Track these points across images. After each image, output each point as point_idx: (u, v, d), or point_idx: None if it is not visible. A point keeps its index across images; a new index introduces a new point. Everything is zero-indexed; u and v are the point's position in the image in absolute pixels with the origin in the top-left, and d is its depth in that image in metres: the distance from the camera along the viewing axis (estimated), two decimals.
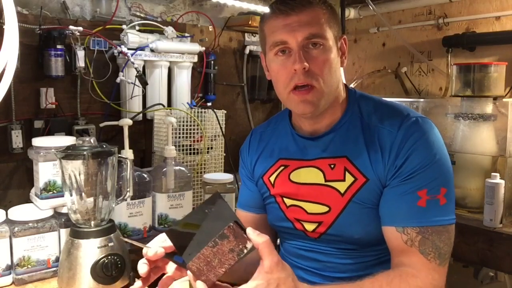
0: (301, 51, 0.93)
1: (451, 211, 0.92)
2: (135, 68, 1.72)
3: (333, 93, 0.99)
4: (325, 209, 1.01)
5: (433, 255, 0.89)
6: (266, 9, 2.19)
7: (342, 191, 0.98)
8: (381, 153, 0.95)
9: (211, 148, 1.82)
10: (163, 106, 1.83)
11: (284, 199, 1.08)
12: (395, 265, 0.94)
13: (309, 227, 1.04)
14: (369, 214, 0.97)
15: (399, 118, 0.96)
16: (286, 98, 0.99)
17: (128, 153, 1.38)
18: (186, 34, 1.94)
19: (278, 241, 1.21)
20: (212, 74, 2.09)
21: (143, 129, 1.90)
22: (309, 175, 1.03)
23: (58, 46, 1.57)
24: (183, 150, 1.73)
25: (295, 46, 0.94)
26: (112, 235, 1.15)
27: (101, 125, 1.64)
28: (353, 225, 0.98)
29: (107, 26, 1.73)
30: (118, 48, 1.72)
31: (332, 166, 1.00)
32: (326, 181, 1.01)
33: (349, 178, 0.98)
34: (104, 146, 1.17)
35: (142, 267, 0.85)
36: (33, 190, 1.30)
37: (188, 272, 0.76)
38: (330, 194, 1.00)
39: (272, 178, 1.11)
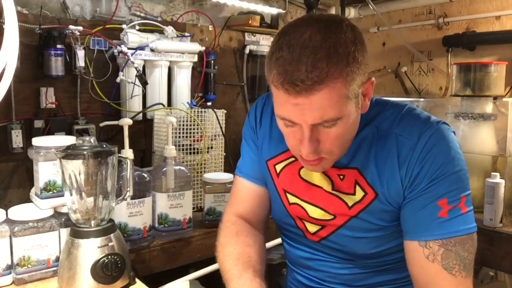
0: (311, 132, 0.82)
1: (472, 218, 0.87)
2: (135, 68, 1.72)
3: (348, 147, 0.92)
4: (330, 217, 0.97)
5: (457, 268, 0.84)
6: (266, 9, 2.21)
7: (350, 204, 0.94)
8: (398, 163, 0.88)
9: (211, 147, 1.82)
10: (163, 105, 1.83)
11: (288, 195, 1.02)
12: (416, 284, 0.88)
13: (311, 228, 1.00)
14: (375, 233, 0.94)
15: (420, 125, 0.89)
16: (294, 154, 0.92)
17: (128, 153, 1.38)
18: (186, 34, 1.94)
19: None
20: (212, 74, 2.08)
21: (143, 129, 1.90)
22: (318, 177, 0.97)
23: (58, 46, 1.57)
24: (183, 149, 1.73)
25: (304, 126, 0.82)
26: (112, 234, 1.15)
27: (101, 124, 1.64)
28: (357, 241, 0.95)
29: (107, 26, 1.73)
30: (118, 47, 1.72)
31: (342, 177, 0.94)
32: (333, 189, 0.95)
33: (359, 192, 0.92)
34: (104, 146, 1.16)
35: None
36: (33, 190, 1.29)
37: None
38: (337, 204, 0.95)
39: (278, 167, 1.03)
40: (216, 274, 1.08)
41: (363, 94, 0.85)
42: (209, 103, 2.02)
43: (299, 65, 0.75)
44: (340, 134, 0.83)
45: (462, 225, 0.85)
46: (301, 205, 1.00)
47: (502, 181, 1.53)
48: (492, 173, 1.55)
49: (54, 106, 1.64)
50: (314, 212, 0.98)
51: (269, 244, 1.40)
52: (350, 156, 0.93)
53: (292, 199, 1.02)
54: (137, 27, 1.81)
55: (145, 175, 1.43)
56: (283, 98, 0.80)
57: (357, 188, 0.92)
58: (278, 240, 1.36)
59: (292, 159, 1.01)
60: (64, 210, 1.23)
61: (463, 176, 0.87)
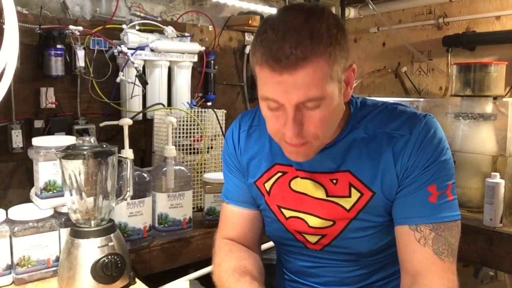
0: (295, 113, 0.81)
1: (457, 206, 0.91)
2: (135, 68, 1.72)
3: (330, 137, 0.92)
4: (329, 223, 0.96)
5: (446, 253, 0.87)
6: (266, 9, 2.22)
7: (348, 208, 0.94)
8: (393, 159, 0.90)
9: (211, 147, 1.82)
10: (163, 105, 1.83)
11: (282, 210, 1.01)
12: (406, 270, 0.90)
13: (312, 239, 0.99)
14: (376, 229, 0.95)
15: (409, 121, 0.91)
16: (277, 141, 0.90)
17: (128, 153, 1.39)
18: (186, 34, 1.94)
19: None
20: (212, 74, 2.09)
21: (143, 129, 1.90)
22: (308, 186, 0.97)
23: (58, 46, 1.57)
24: (183, 149, 1.73)
25: (288, 106, 0.81)
26: (112, 234, 1.15)
27: (101, 124, 1.64)
28: (361, 240, 0.95)
29: (107, 26, 1.73)
30: (118, 47, 1.72)
31: (335, 181, 0.94)
32: (328, 196, 0.95)
33: (355, 194, 0.93)
34: (104, 146, 1.17)
35: None
36: (33, 190, 1.30)
37: None
38: (334, 209, 0.95)
39: (267, 185, 1.02)
40: None
41: (345, 82, 0.86)
42: (209, 103, 2.02)
43: (284, 43, 0.77)
44: (324, 117, 0.83)
45: (449, 212, 0.89)
46: (299, 216, 0.99)
47: (502, 181, 1.53)
48: (492, 173, 1.55)
49: (54, 106, 1.64)
50: (314, 221, 0.98)
51: (268, 244, 1.39)
52: (340, 159, 0.94)
53: (288, 213, 1.01)
54: (137, 27, 1.81)
55: (145, 175, 1.43)
56: (267, 77, 0.80)
57: (352, 190, 0.93)
58: None
59: (280, 174, 1.01)
60: (64, 210, 1.23)
61: (450, 164, 0.91)
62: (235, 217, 1.09)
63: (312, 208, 0.97)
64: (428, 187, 0.89)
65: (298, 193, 0.99)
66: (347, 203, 0.94)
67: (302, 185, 0.98)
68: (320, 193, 0.96)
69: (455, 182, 0.92)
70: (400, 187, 0.91)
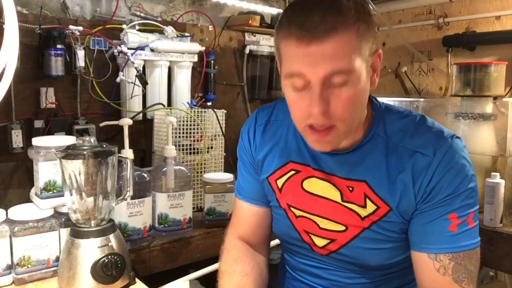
0: (322, 89, 0.78)
1: (477, 232, 0.88)
2: (135, 68, 1.72)
3: (356, 125, 0.88)
4: (341, 227, 0.94)
5: (466, 281, 0.85)
6: (266, 9, 2.22)
7: (363, 216, 0.91)
8: (412, 179, 0.87)
9: (211, 147, 1.82)
10: (163, 105, 1.83)
11: (292, 209, 0.99)
12: None
13: (319, 242, 0.97)
14: (388, 244, 0.92)
15: (434, 140, 0.87)
16: (301, 130, 0.87)
17: (128, 153, 1.38)
18: (186, 34, 1.94)
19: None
20: (212, 74, 2.08)
21: (143, 129, 1.90)
22: (324, 188, 0.95)
23: (58, 46, 1.57)
24: (183, 149, 1.73)
25: (315, 81, 0.78)
26: (112, 234, 1.15)
27: (101, 124, 1.64)
28: (370, 253, 0.93)
29: (107, 26, 1.73)
30: (118, 47, 1.72)
31: (351, 188, 0.92)
32: (343, 200, 0.93)
33: (370, 206, 0.90)
34: (104, 146, 1.17)
35: None
36: (33, 190, 1.30)
37: None
38: (349, 215, 0.92)
39: (280, 182, 1.01)
40: (216, 274, 1.08)
41: (372, 67, 0.84)
42: (209, 103, 2.02)
43: (312, 14, 0.77)
44: (351, 96, 0.80)
45: (469, 240, 0.86)
46: (309, 217, 0.97)
47: (502, 181, 1.53)
48: (492, 173, 1.55)
49: (54, 106, 1.64)
50: (325, 223, 0.96)
51: (271, 244, 1.39)
52: (358, 167, 0.91)
53: (298, 213, 0.99)
54: (137, 27, 1.81)
55: (145, 175, 1.43)
56: (294, 49, 0.78)
57: (367, 201, 0.91)
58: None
59: (292, 172, 0.98)
60: (64, 210, 1.23)
61: (474, 192, 0.87)
62: (245, 214, 1.10)
63: (325, 211, 0.95)
64: (449, 216, 0.85)
65: (311, 194, 0.97)
66: (362, 211, 0.91)
67: (318, 186, 0.96)
68: (336, 196, 0.94)
69: (477, 207, 0.88)
70: (417, 210, 0.88)
